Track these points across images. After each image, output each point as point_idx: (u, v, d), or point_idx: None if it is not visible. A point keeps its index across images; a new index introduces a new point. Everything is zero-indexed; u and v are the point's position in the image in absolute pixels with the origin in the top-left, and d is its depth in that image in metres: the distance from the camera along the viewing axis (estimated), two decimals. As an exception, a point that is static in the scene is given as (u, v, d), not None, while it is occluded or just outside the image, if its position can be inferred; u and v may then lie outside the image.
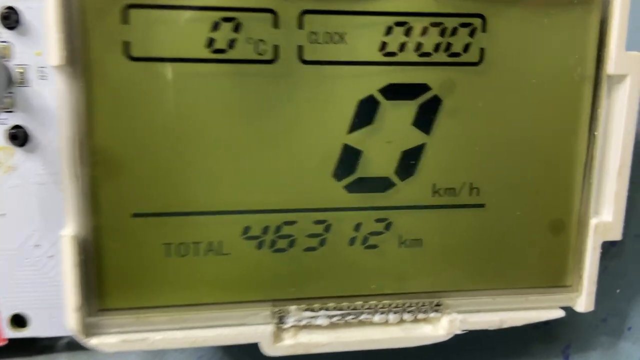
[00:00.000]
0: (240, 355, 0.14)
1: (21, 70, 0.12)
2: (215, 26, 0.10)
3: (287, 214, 0.11)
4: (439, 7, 0.11)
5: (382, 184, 0.12)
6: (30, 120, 0.12)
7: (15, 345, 0.13)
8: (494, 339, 0.15)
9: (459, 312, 0.12)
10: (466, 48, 0.11)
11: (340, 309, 0.12)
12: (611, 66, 0.12)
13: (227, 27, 0.10)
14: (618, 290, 0.15)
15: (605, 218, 0.12)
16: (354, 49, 0.11)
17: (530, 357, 0.15)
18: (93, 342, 0.11)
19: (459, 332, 0.12)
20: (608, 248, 0.15)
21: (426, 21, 0.11)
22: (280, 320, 0.12)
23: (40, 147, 0.12)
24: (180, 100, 0.11)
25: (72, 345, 0.14)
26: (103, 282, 0.11)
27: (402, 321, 0.12)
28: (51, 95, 0.12)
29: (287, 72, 0.11)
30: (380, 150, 0.11)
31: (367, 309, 0.12)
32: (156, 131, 0.11)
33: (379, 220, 0.12)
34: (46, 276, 0.13)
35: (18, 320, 0.13)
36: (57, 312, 0.12)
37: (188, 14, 0.10)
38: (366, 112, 0.11)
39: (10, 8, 0.12)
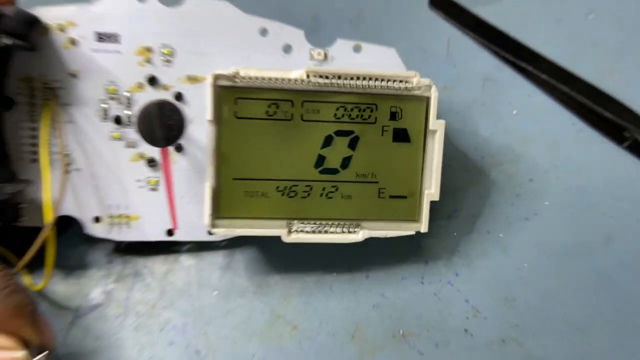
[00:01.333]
0: (270, 244, 0.29)
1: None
2: (269, 105, 0.26)
3: (294, 182, 0.27)
4: (360, 100, 0.27)
5: (334, 171, 0.27)
6: (188, 141, 0.28)
7: (166, 245, 0.29)
8: (385, 244, 0.30)
9: (367, 228, 0.28)
10: (369, 117, 0.27)
11: (316, 224, 0.27)
12: (431, 125, 0.28)
13: (273, 105, 0.26)
14: (455, 233, 0.31)
15: (432, 190, 0.28)
16: (324, 115, 0.27)
17: (404, 256, 0.31)
18: (214, 230, 0.26)
19: (366, 237, 0.28)
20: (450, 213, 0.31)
21: (353, 105, 0.27)
22: (289, 227, 0.27)
23: (187, 153, 0.28)
24: (254, 133, 0.26)
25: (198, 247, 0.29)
26: (219, 205, 0.27)
27: (342, 232, 0.28)
28: (200, 130, 0.28)
29: (296, 124, 0.27)
30: (333, 157, 0.27)
31: (328, 225, 0.28)
32: (243, 145, 0.26)
33: (333, 186, 0.27)
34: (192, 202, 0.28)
35: (169, 232, 0.28)
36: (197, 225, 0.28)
37: (259, 102, 0.26)
38: (328, 141, 0.27)
39: (180, 93, 0.28)
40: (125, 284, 0.29)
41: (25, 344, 0.23)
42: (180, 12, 0.27)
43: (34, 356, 0.23)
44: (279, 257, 0.30)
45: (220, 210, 0.27)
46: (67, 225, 0.28)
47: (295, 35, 0.28)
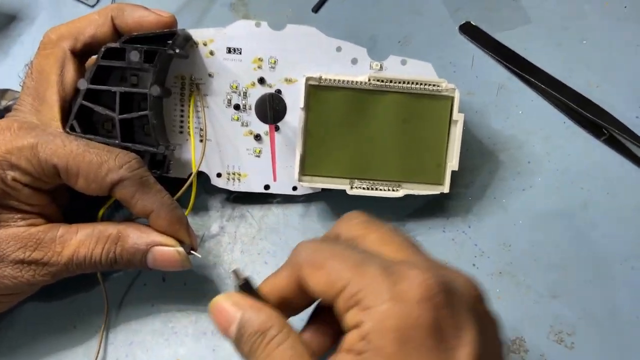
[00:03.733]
0: (335, 198, 0.42)
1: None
2: (342, 99, 0.39)
3: (357, 154, 0.39)
4: (405, 98, 0.39)
5: (384, 147, 0.39)
6: (284, 125, 0.40)
7: (263, 197, 0.41)
8: (418, 203, 0.42)
9: (405, 188, 0.40)
10: (412, 110, 0.39)
11: (370, 182, 0.39)
12: (454, 116, 0.39)
13: (346, 99, 0.39)
14: (470, 198, 0.43)
15: (453, 162, 0.40)
16: (380, 107, 0.39)
17: (431, 213, 0.42)
18: (300, 183, 0.39)
19: (404, 194, 0.40)
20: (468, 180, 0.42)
21: (401, 101, 0.39)
22: (351, 184, 0.39)
23: (282, 133, 0.40)
24: (330, 118, 0.39)
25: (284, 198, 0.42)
26: (303, 166, 0.39)
27: (387, 190, 0.39)
28: (293, 117, 0.40)
29: (360, 113, 0.39)
30: (385, 137, 0.39)
31: (378, 184, 0.39)
32: (322, 126, 0.38)
33: (383, 157, 0.39)
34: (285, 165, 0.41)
35: (266, 187, 0.41)
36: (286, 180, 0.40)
37: (335, 96, 0.39)
38: (382, 125, 0.39)
39: (279, 90, 0.40)
40: (234, 222, 0.42)
41: (180, 243, 0.35)
42: (283, 34, 0.40)
43: (188, 253, 0.36)
44: (341, 209, 0.42)
45: (304, 169, 0.39)
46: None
47: (360, 52, 0.40)
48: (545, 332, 0.38)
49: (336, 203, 0.42)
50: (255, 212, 0.42)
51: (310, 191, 0.41)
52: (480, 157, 0.43)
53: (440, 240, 0.41)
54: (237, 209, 0.42)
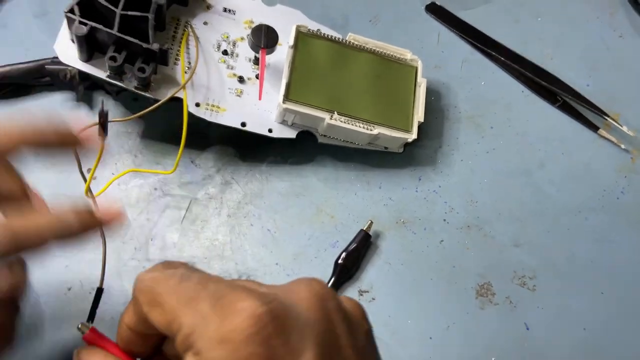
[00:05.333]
0: (308, 146, 0.45)
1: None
2: (326, 46, 0.42)
3: (337, 90, 0.42)
4: (378, 58, 0.43)
5: (362, 90, 0.43)
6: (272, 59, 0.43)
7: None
8: (393, 163, 0.45)
9: (379, 130, 0.43)
10: (384, 70, 0.43)
11: (348, 117, 0.43)
12: (419, 80, 0.43)
13: (329, 47, 0.42)
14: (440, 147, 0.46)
15: (419, 114, 0.43)
16: (357, 61, 0.42)
17: (405, 175, 0.46)
18: (284, 105, 0.41)
19: (378, 132, 0.43)
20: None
21: (375, 61, 0.43)
22: (330, 115, 0.41)
23: (270, 68, 0.43)
24: (314, 59, 0.42)
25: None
26: (288, 93, 0.41)
27: (363, 127, 0.42)
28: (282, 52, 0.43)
29: (340, 59, 0.42)
30: (364, 83, 0.43)
31: (355, 120, 0.42)
32: (307, 64, 0.42)
33: (361, 99, 0.43)
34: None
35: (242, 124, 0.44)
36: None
37: (321, 43, 0.42)
38: (360, 73, 0.43)
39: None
40: (220, 188, 0.44)
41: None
42: (273, 9, 0.45)
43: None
44: (319, 175, 0.45)
45: (289, 95, 0.40)
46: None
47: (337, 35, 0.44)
48: (510, 277, 0.42)
49: (316, 171, 0.45)
50: (240, 179, 0.44)
51: (284, 135, 0.43)
52: (447, 123, 0.47)
53: (414, 199, 0.44)
54: (222, 176, 0.44)
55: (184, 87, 0.40)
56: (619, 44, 0.50)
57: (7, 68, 0.45)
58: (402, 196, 0.44)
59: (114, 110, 0.46)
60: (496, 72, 0.49)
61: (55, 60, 0.43)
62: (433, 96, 0.47)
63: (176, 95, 0.40)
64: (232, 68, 0.43)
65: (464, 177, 0.45)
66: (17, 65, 0.44)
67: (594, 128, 0.46)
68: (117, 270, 0.41)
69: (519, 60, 0.49)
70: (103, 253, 0.31)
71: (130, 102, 0.46)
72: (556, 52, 0.49)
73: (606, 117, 0.46)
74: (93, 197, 0.33)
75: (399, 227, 0.43)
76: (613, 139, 0.46)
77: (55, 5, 0.49)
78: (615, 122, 0.46)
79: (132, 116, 0.40)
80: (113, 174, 0.44)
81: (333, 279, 0.41)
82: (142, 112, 0.39)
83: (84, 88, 0.45)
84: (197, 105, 0.42)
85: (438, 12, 0.51)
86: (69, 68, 0.43)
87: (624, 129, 0.45)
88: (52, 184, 0.43)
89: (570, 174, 0.45)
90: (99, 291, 0.31)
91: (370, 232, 0.42)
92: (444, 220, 0.44)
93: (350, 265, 0.41)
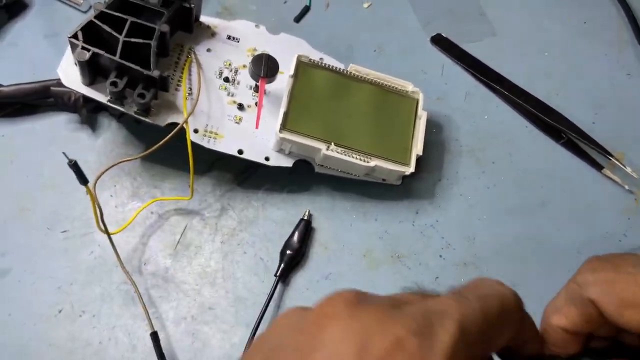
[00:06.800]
0: (304, 175, 0.44)
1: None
2: (327, 77, 0.42)
3: (335, 121, 0.42)
4: (380, 90, 0.42)
5: (361, 122, 0.43)
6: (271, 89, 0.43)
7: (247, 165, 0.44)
8: (390, 195, 0.45)
9: (376, 162, 0.43)
10: (385, 101, 0.43)
11: (344, 149, 0.42)
12: (419, 113, 0.43)
13: (329, 78, 0.42)
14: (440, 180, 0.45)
15: (418, 148, 0.43)
16: (357, 91, 0.42)
17: (402, 207, 0.45)
18: (280, 134, 0.40)
19: (376, 165, 0.43)
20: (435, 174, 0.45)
21: (376, 92, 0.42)
22: (327, 146, 0.41)
23: (269, 95, 0.43)
24: (314, 90, 0.42)
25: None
26: (285, 122, 0.41)
27: (360, 159, 0.41)
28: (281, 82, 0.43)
29: (341, 90, 0.42)
30: (362, 115, 0.43)
31: (352, 152, 0.41)
32: (306, 94, 0.41)
33: (359, 131, 0.42)
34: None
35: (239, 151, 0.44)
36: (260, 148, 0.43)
37: (321, 74, 0.42)
38: (359, 106, 0.42)
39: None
40: (215, 214, 0.44)
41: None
42: (277, 38, 0.45)
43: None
44: (315, 204, 0.44)
45: (286, 124, 0.40)
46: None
47: (339, 64, 0.44)
48: (505, 318, 0.41)
49: (307, 184, 0.44)
50: (236, 205, 0.44)
51: (281, 164, 0.42)
52: (448, 157, 0.46)
53: (410, 233, 0.43)
54: (218, 203, 0.44)
55: (186, 121, 0.41)
56: (626, 82, 0.49)
57: (14, 88, 0.45)
58: (398, 229, 0.44)
59: (116, 133, 0.46)
60: (500, 106, 0.49)
61: (60, 82, 0.44)
62: (434, 128, 0.47)
63: (177, 122, 0.41)
64: (232, 95, 0.44)
65: (463, 213, 0.44)
66: (23, 86, 0.45)
67: (598, 167, 0.45)
68: (109, 292, 0.41)
69: (523, 95, 0.48)
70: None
71: (133, 124, 0.46)
72: (562, 88, 0.49)
73: (610, 157, 0.45)
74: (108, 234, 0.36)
75: (394, 261, 0.43)
76: (617, 179, 0.45)
77: (66, 27, 0.49)
78: (620, 162, 0.45)
79: (138, 156, 0.42)
80: (112, 196, 0.44)
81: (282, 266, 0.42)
82: (147, 152, 0.40)
83: (87, 110, 0.46)
84: (196, 131, 0.42)
85: (443, 44, 0.51)
86: (74, 91, 0.43)
87: (628, 170, 0.44)
88: (53, 202, 0.43)
89: (572, 213, 0.44)
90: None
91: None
92: (440, 256, 0.43)
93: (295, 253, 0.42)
